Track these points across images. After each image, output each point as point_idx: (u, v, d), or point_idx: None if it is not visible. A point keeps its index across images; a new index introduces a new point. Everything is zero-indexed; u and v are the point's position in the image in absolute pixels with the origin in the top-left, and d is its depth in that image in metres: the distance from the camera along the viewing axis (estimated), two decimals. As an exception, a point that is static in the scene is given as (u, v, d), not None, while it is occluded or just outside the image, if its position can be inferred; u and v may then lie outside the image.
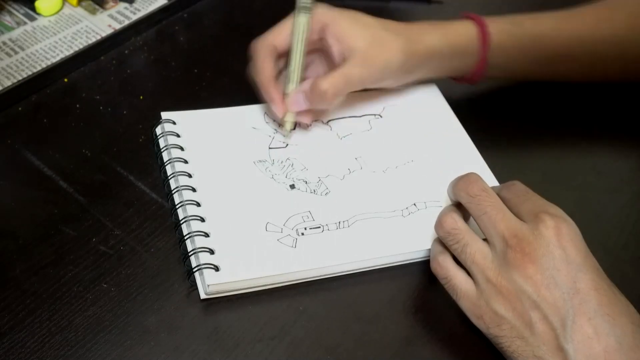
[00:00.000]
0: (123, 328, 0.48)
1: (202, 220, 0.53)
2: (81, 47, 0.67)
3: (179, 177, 0.55)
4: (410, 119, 0.63)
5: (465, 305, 0.46)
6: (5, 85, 0.62)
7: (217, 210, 0.53)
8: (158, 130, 0.59)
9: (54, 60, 0.65)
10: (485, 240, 0.47)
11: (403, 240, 0.53)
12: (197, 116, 0.61)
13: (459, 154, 0.61)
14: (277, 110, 0.58)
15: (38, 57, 0.66)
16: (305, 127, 0.60)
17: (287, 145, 0.60)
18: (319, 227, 0.54)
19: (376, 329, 0.49)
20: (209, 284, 0.49)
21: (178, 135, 0.59)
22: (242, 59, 0.63)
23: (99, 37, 0.68)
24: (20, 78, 0.63)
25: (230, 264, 0.50)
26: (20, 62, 0.65)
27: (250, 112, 0.62)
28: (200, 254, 0.50)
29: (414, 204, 0.56)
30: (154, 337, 0.47)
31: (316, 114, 0.60)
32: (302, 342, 0.48)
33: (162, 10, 0.72)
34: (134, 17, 0.71)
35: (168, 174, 0.56)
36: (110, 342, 0.47)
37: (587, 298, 0.43)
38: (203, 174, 0.56)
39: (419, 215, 0.55)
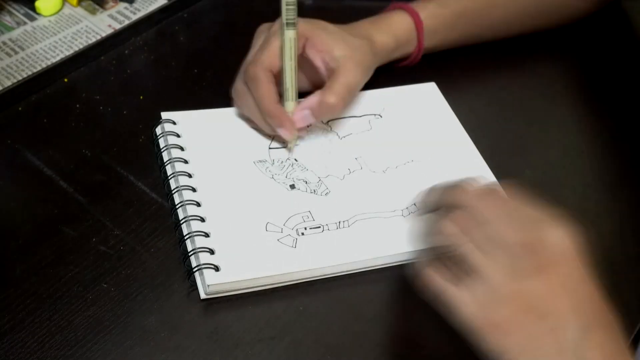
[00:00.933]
0: (123, 328, 0.48)
1: (202, 220, 0.53)
2: (81, 47, 0.67)
3: (179, 177, 0.55)
4: (410, 119, 0.63)
5: (467, 316, 0.44)
6: (5, 85, 0.62)
7: (217, 210, 0.53)
8: (158, 130, 0.59)
9: (54, 60, 0.65)
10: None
11: (403, 240, 0.53)
12: (197, 116, 0.61)
13: (458, 153, 0.61)
14: (287, 134, 0.57)
15: (38, 57, 0.65)
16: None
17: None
18: (319, 227, 0.54)
19: (376, 329, 0.49)
20: (209, 284, 0.49)
21: (178, 135, 0.59)
22: (243, 59, 0.63)
23: (99, 37, 0.68)
24: (20, 78, 0.63)
25: (230, 264, 0.50)
26: (20, 62, 0.65)
27: (250, 112, 0.62)
28: (200, 254, 0.50)
29: (414, 204, 0.56)
30: (154, 337, 0.47)
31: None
32: (302, 342, 0.48)
33: (162, 10, 0.72)
34: (134, 17, 0.71)
35: (168, 174, 0.56)
36: (110, 342, 0.47)
37: (593, 305, 0.43)
38: (203, 174, 0.56)
39: (419, 215, 0.55)
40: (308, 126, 0.60)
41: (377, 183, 0.58)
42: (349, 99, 0.58)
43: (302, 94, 0.58)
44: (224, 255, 0.51)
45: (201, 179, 0.55)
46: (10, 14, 0.70)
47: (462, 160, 0.60)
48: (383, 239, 0.53)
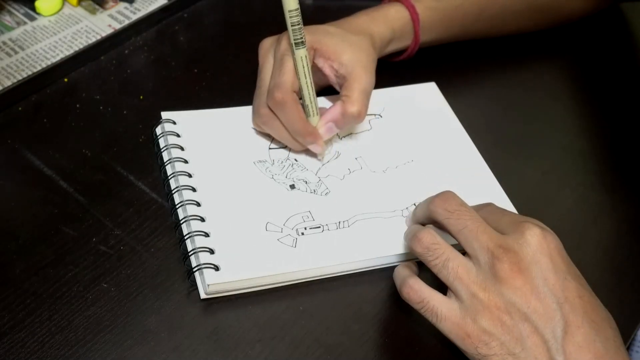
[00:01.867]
0: (123, 328, 0.48)
1: (202, 220, 0.53)
2: (81, 47, 0.67)
3: (179, 177, 0.55)
4: (410, 119, 0.63)
5: (448, 327, 0.44)
6: (5, 85, 0.62)
7: (217, 210, 0.53)
8: (158, 130, 0.59)
9: (54, 60, 0.65)
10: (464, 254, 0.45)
11: (403, 241, 0.53)
12: (197, 116, 0.61)
13: (458, 153, 0.61)
14: (319, 149, 0.57)
15: (38, 57, 0.65)
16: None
17: (287, 145, 0.60)
18: (319, 227, 0.54)
19: (376, 329, 0.49)
20: (209, 283, 0.49)
21: (178, 135, 0.59)
22: (242, 59, 0.64)
23: (99, 37, 0.68)
24: (20, 78, 0.63)
25: (230, 264, 0.50)
26: (20, 62, 0.65)
27: (250, 112, 0.62)
28: (200, 254, 0.50)
29: (414, 204, 0.56)
30: (154, 337, 0.47)
31: None
32: (302, 342, 0.48)
33: (162, 10, 0.72)
34: (134, 17, 0.71)
35: (168, 174, 0.56)
36: (110, 342, 0.47)
37: (575, 306, 0.42)
38: (203, 174, 0.56)
39: (419, 215, 0.55)
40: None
41: (377, 183, 0.58)
42: (368, 104, 0.57)
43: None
44: (224, 255, 0.51)
45: (201, 179, 0.55)
46: (10, 13, 0.70)
47: (462, 160, 0.60)
48: (383, 239, 0.53)
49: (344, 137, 0.61)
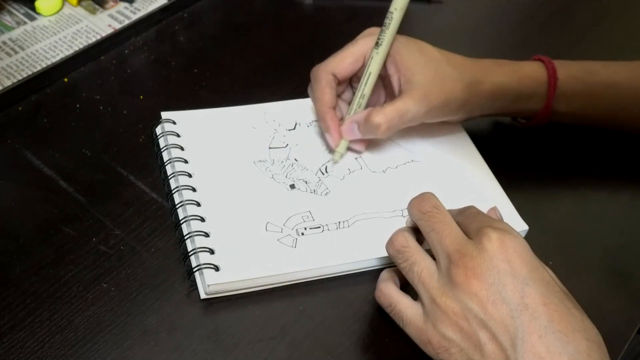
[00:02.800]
0: (123, 328, 0.48)
1: (202, 220, 0.53)
2: (81, 47, 0.67)
3: (179, 177, 0.55)
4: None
5: (412, 331, 0.44)
6: (5, 85, 0.62)
7: (217, 210, 0.53)
8: (158, 130, 0.59)
9: (54, 60, 0.65)
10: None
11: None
12: (197, 116, 0.61)
13: (458, 153, 0.61)
14: (331, 140, 0.57)
15: (38, 57, 0.66)
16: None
17: (287, 145, 0.60)
18: (319, 227, 0.54)
19: (376, 329, 0.49)
20: (209, 283, 0.49)
21: (178, 135, 0.59)
22: (243, 59, 0.64)
23: (99, 37, 0.68)
24: (20, 78, 0.63)
25: (230, 264, 0.50)
26: (20, 62, 0.65)
27: (250, 112, 0.62)
28: (200, 254, 0.50)
29: (414, 204, 0.56)
30: (154, 337, 0.47)
31: (370, 141, 0.59)
32: (302, 342, 0.48)
33: (162, 10, 0.72)
34: (134, 17, 0.71)
35: (168, 174, 0.56)
36: (110, 342, 0.47)
37: (537, 314, 0.40)
38: (203, 174, 0.56)
39: (419, 215, 0.55)
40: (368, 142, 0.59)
41: (377, 183, 0.58)
42: (397, 126, 0.55)
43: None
44: (224, 255, 0.51)
45: (201, 179, 0.55)
46: (10, 13, 0.70)
47: (462, 160, 0.60)
48: (383, 239, 0.53)
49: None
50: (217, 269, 0.50)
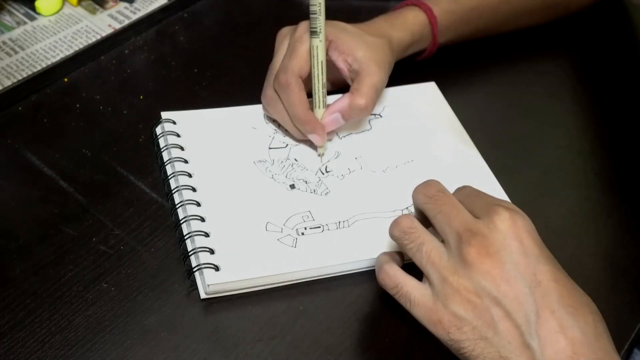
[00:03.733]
0: (123, 328, 0.48)
1: (202, 220, 0.53)
2: (81, 46, 0.67)
3: (179, 177, 0.55)
4: (410, 119, 0.63)
5: (421, 312, 0.44)
6: (5, 85, 0.62)
7: (217, 210, 0.53)
8: (158, 130, 0.59)
9: (54, 60, 0.65)
10: (442, 242, 0.45)
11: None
12: (197, 116, 0.61)
13: (458, 153, 0.61)
14: (318, 139, 0.58)
15: (38, 57, 0.66)
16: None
17: (287, 145, 0.60)
18: (319, 227, 0.54)
19: (376, 329, 0.49)
20: (209, 283, 0.49)
21: (178, 135, 0.59)
22: (242, 59, 0.64)
23: (99, 37, 0.68)
24: (20, 78, 0.63)
25: (230, 264, 0.50)
26: (20, 62, 0.65)
27: (250, 112, 0.62)
28: (200, 254, 0.50)
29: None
30: (154, 337, 0.47)
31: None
32: (302, 342, 0.48)
33: (162, 10, 0.72)
34: (134, 17, 0.71)
35: (168, 174, 0.56)
36: (110, 342, 0.47)
37: (549, 291, 0.41)
38: (203, 174, 0.56)
39: (419, 215, 0.55)
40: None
41: (377, 183, 0.58)
42: (376, 100, 0.58)
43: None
44: (224, 255, 0.51)
45: (201, 179, 0.55)
46: (10, 13, 0.70)
47: (462, 160, 0.60)
48: (383, 239, 0.53)
49: (344, 137, 0.61)
50: (217, 269, 0.50)
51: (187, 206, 0.53)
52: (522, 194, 0.58)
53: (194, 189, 0.55)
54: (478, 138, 0.62)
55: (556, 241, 0.56)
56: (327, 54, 0.58)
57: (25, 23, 0.69)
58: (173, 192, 0.55)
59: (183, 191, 0.54)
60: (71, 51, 0.66)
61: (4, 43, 0.67)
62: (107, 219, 0.54)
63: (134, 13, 0.71)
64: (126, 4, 0.72)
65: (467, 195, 0.47)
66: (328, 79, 0.59)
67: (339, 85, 0.62)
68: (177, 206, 0.54)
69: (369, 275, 0.52)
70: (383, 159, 0.59)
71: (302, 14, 0.62)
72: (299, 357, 0.48)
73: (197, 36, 0.72)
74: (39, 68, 0.64)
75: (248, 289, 0.50)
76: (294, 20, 0.61)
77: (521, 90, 0.70)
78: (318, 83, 0.57)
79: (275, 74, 0.57)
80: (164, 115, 0.60)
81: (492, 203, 0.45)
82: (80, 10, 0.71)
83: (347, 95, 0.57)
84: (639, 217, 0.60)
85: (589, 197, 0.61)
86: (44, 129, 0.61)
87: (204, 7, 0.75)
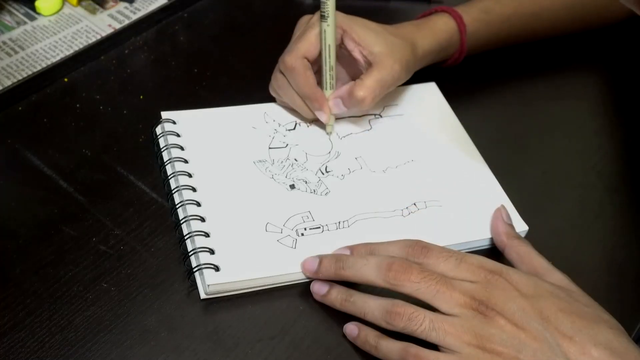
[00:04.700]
0: (123, 328, 0.48)
1: (202, 220, 0.53)
2: (81, 46, 0.67)
3: (179, 177, 0.55)
4: (410, 119, 0.63)
5: None
6: (5, 85, 0.62)
7: (217, 210, 0.53)
8: (158, 129, 0.59)
9: (54, 60, 0.65)
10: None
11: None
12: (197, 116, 0.61)
13: (458, 153, 0.61)
14: (325, 117, 0.59)
15: (38, 57, 0.65)
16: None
17: (287, 145, 0.60)
18: (319, 227, 0.54)
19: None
20: (209, 284, 0.49)
21: (178, 135, 0.59)
22: (242, 59, 0.64)
23: (99, 37, 0.68)
24: (20, 78, 0.63)
25: (230, 264, 0.50)
26: (20, 62, 0.65)
27: (250, 112, 0.62)
28: (200, 254, 0.50)
29: (414, 204, 0.56)
30: (154, 336, 0.47)
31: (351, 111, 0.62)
32: (302, 342, 0.48)
33: (162, 10, 0.72)
34: (134, 17, 0.71)
35: (168, 174, 0.56)
36: (110, 342, 0.47)
37: (558, 322, 0.44)
38: (203, 174, 0.56)
39: (419, 215, 0.55)
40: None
41: (377, 183, 0.58)
42: (380, 94, 0.58)
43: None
44: (224, 255, 0.51)
45: (201, 179, 0.55)
46: (10, 13, 0.70)
47: (462, 160, 0.60)
48: (383, 239, 0.53)
49: (344, 137, 0.61)
50: (217, 269, 0.50)
51: (187, 206, 0.53)
52: (522, 194, 0.58)
53: (194, 189, 0.55)
54: (478, 138, 0.62)
55: (556, 241, 0.57)
56: (343, 44, 0.59)
57: (25, 23, 0.69)
58: (173, 192, 0.55)
59: (183, 191, 0.54)
60: (71, 51, 0.66)
61: (4, 43, 0.67)
62: (107, 219, 0.54)
63: (134, 13, 0.71)
64: (126, 4, 0.72)
65: (452, 269, 0.47)
66: (347, 71, 0.61)
67: (357, 78, 0.61)
68: (177, 206, 0.54)
69: (369, 275, 0.52)
70: (383, 159, 0.59)
71: (302, 14, 0.62)
72: (299, 357, 0.48)
73: (197, 36, 0.72)
74: (39, 68, 0.64)
75: (248, 289, 0.50)
76: (294, 21, 0.61)
77: (521, 91, 0.70)
78: (326, 66, 0.58)
79: (281, 56, 0.58)
80: (164, 115, 0.60)
81: (476, 263, 0.47)
82: (80, 10, 0.71)
83: (351, 83, 0.58)
84: (639, 217, 0.60)
85: (589, 197, 0.61)
86: (44, 129, 0.61)
87: (204, 7, 0.75)
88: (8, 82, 0.62)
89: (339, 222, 0.54)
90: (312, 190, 0.56)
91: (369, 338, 0.47)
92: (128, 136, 0.60)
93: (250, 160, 0.58)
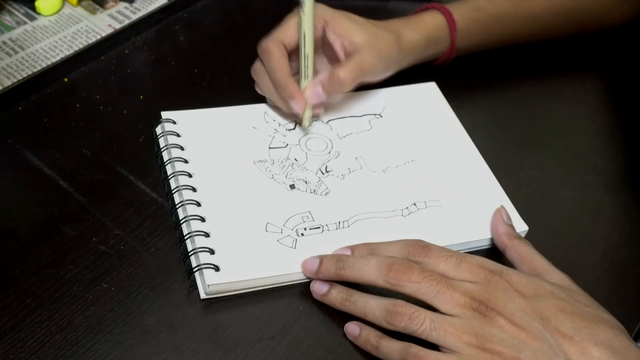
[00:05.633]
0: (123, 328, 0.48)
1: (202, 220, 0.53)
2: (81, 46, 0.67)
3: (179, 177, 0.55)
4: (410, 119, 0.63)
5: None
6: (5, 85, 0.62)
7: (217, 210, 0.53)
8: (158, 129, 0.59)
9: (54, 60, 0.65)
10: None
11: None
12: (197, 116, 0.61)
13: (458, 153, 0.61)
14: (297, 105, 0.58)
15: (38, 57, 0.66)
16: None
17: (287, 145, 0.60)
18: (319, 227, 0.54)
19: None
20: (209, 284, 0.49)
21: (178, 135, 0.59)
22: (242, 59, 0.63)
23: (99, 37, 0.68)
24: (20, 78, 0.63)
25: (230, 264, 0.50)
26: (20, 62, 0.65)
27: (250, 112, 0.62)
28: (200, 254, 0.50)
29: (414, 204, 0.56)
30: (154, 337, 0.47)
31: (328, 107, 0.62)
32: (302, 342, 0.48)
33: (162, 10, 0.72)
34: (134, 17, 0.71)
35: (168, 174, 0.56)
36: (110, 342, 0.47)
37: (558, 322, 0.44)
38: (203, 174, 0.56)
39: (419, 215, 0.55)
40: (319, 117, 0.61)
41: (377, 183, 0.58)
42: (359, 78, 0.58)
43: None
44: (224, 255, 0.51)
45: (201, 179, 0.55)
46: (10, 13, 0.70)
47: (462, 160, 0.60)
48: (383, 239, 0.53)
49: (344, 137, 0.61)
50: (217, 269, 0.50)
51: (187, 206, 0.53)
52: (522, 194, 0.58)
53: (194, 189, 0.55)
54: (478, 138, 0.62)
55: (556, 241, 0.57)
56: (325, 35, 0.59)
57: (25, 23, 0.69)
58: (173, 192, 0.55)
59: (183, 191, 0.54)
60: (71, 51, 0.66)
61: (4, 43, 0.67)
62: (107, 219, 0.54)
63: (134, 13, 0.71)
64: (126, 4, 0.72)
65: (452, 269, 0.47)
66: (330, 63, 0.61)
67: None
68: (177, 206, 0.54)
69: (369, 275, 0.52)
70: (383, 159, 0.59)
71: (302, 14, 0.62)
72: (299, 357, 0.48)
73: (197, 36, 0.72)
74: (39, 68, 0.64)
75: (248, 289, 0.50)
76: (294, 20, 0.61)
77: (521, 91, 0.70)
78: (302, 54, 0.57)
79: (261, 41, 0.58)
80: (164, 115, 0.60)
81: (474, 263, 0.47)
82: (80, 10, 0.71)
83: (332, 68, 0.58)
84: (639, 216, 0.60)
85: (589, 197, 0.61)
86: (44, 129, 0.61)
87: (204, 7, 0.75)
88: (8, 82, 0.62)
89: (339, 222, 0.54)
90: (312, 190, 0.56)
91: (370, 338, 0.47)
92: (128, 136, 0.60)
93: (250, 160, 0.58)
